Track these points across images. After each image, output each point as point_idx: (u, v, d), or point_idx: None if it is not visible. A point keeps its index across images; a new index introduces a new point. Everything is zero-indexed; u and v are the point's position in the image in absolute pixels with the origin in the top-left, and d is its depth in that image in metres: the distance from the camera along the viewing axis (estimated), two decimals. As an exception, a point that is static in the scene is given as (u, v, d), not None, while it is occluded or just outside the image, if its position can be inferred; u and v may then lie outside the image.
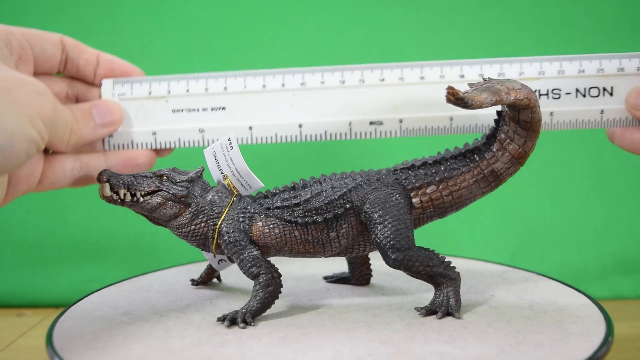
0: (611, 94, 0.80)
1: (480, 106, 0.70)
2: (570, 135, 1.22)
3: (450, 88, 0.68)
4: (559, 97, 0.80)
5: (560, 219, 1.21)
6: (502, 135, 0.78)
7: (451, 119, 0.82)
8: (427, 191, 0.80)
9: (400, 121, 0.82)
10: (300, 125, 0.83)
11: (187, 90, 0.83)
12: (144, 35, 1.22)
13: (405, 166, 0.81)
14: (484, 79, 0.76)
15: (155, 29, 1.23)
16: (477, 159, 0.80)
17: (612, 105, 0.81)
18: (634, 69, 0.80)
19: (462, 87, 0.80)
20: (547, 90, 0.80)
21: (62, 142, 0.75)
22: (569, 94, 0.81)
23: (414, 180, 0.80)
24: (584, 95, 0.80)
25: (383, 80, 0.82)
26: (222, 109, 0.83)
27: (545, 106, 0.79)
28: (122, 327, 0.75)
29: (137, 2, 1.23)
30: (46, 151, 0.80)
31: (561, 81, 0.80)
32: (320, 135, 0.83)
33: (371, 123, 0.82)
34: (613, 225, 1.20)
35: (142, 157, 0.84)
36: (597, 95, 0.80)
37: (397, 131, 0.83)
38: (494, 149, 0.79)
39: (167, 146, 0.84)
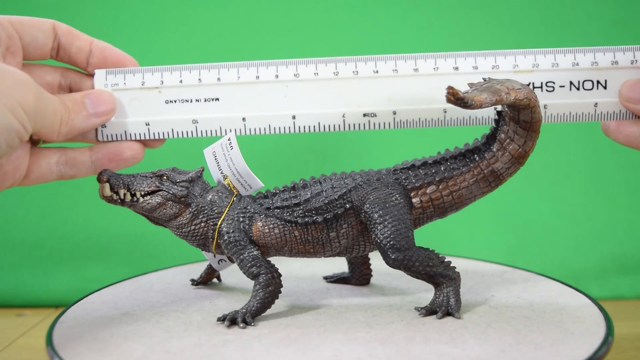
0: (605, 87, 0.80)
1: (480, 106, 0.70)
2: (569, 135, 1.22)
3: (450, 88, 0.68)
4: (552, 90, 0.80)
5: (559, 219, 1.21)
6: (502, 135, 0.78)
7: (445, 111, 0.82)
8: (427, 191, 0.80)
9: (394, 113, 0.82)
10: (293, 117, 0.83)
11: (180, 81, 0.83)
12: (140, 27, 1.22)
13: (405, 166, 0.81)
14: (484, 79, 0.76)
15: (151, 22, 1.22)
16: (477, 159, 0.80)
17: (606, 99, 0.80)
18: (628, 62, 0.79)
19: (456, 80, 0.80)
20: (541, 83, 0.80)
21: (52, 131, 0.74)
22: (563, 86, 0.80)
23: (414, 180, 0.80)
24: (578, 88, 0.80)
25: (377, 72, 0.82)
26: (216, 99, 0.83)
27: (539, 99, 0.79)
28: (122, 327, 0.75)
29: None
30: (36, 143, 0.80)
31: (555, 74, 0.80)
32: (314, 126, 0.83)
33: (365, 115, 0.82)
34: (612, 225, 1.20)
35: (129, 151, 0.83)
36: (591, 89, 0.80)
37: (390, 123, 0.82)
38: (494, 149, 0.79)
39: (161, 137, 0.84)
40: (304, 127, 0.83)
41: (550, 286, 0.86)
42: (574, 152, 1.22)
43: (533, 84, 0.81)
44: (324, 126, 0.83)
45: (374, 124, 0.82)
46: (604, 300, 1.09)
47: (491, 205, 1.15)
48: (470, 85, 0.76)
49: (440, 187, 0.80)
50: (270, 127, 0.83)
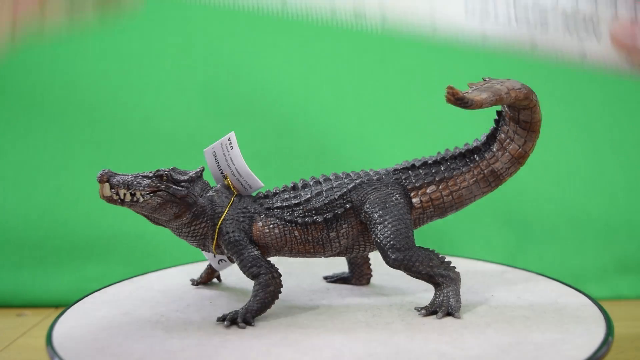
0: (597, 37, 0.78)
1: (480, 106, 0.71)
2: (569, 135, 1.22)
3: (450, 88, 0.68)
4: (545, 29, 0.78)
5: (559, 219, 1.21)
6: (502, 135, 0.78)
7: (435, 29, 0.79)
8: (427, 191, 0.80)
9: (384, 16, 0.79)
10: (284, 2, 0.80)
11: None
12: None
13: (405, 166, 0.81)
14: (484, 79, 0.76)
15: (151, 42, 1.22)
16: (477, 159, 0.80)
17: (597, 48, 0.78)
18: (627, 18, 0.78)
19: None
20: (537, 21, 0.78)
21: None
22: (557, 27, 0.78)
23: (414, 180, 0.80)
24: (571, 33, 0.78)
25: None
26: None
27: (532, 36, 0.77)
28: (122, 327, 0.75)
29: None
30: None
31: (552, 14, 0.78)
32: (303, 14, 0.79)
33: (354, 14, 0.80)
34: (613, 225, 1.19)
35: None
36: (584, 35, 0.78)
37: (378, 26, 0.80)
38: (494, 149, 0.79)
39: None
40: (294, 13, 0.79)
41: (550, 286, 0.86)
42: (574, 152, 1.22)
43: (529, 20, 0.78)
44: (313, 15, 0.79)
45: (362, 24, 0.79)
46: (604, 300, 1.09)
47: (491, 205, 1.15)
48: (471, 85, 0.76)
49: (440, 187, 0.80)
50: (260, 9, 0.80)
